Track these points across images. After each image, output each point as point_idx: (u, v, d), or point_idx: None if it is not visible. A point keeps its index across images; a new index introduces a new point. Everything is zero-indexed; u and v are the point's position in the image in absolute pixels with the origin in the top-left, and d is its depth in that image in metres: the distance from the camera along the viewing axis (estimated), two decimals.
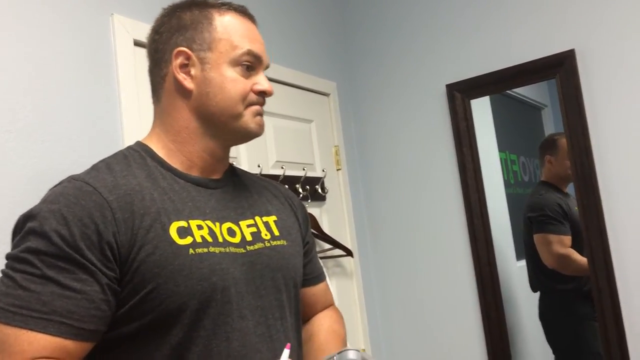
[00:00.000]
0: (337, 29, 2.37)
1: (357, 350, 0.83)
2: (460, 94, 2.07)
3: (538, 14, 1.96)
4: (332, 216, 2.17)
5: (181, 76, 0.95)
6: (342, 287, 2.13)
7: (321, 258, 2.01)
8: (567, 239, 1.98)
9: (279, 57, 1.92)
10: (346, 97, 2.33)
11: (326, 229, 2.07)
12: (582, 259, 1.86)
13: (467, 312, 2.05)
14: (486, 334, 2.00)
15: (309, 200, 1.99)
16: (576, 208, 1.88)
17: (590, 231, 1.80)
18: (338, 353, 0.84)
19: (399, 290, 2.22)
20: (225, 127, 0.96)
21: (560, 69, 1.88)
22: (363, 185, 2.33)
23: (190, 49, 0.94)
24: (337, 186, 2.22)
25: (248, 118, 0.96)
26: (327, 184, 2.14)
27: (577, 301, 1.98)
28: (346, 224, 2.22)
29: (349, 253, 2.09)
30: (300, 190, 1.95)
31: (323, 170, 2.13)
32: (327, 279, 2.01)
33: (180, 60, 0.95)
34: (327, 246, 2.03)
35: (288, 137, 2.03)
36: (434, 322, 2.13)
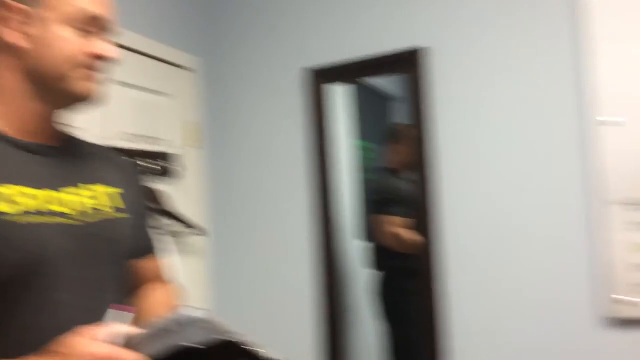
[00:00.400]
0: (204, 4, 2.33)
1: (200, 309, 0.76)
2: (317, 79, 2.15)
3: (397, 7, 2.06)
4: (188, 193, 2.15)
5: (4, 30, 0.87)
6: (191, 264, 2.13)
7: (172, 235, 1.99)
8: (399, 220, 2.17)
9: (138, 25, 1.85)
10: (211, 73, 2.31)
11: (181, 206, 2.05)
12: (413, 237, 2.06)
13: (307, 289, 2.15)
14: (322, 309, 2.12)
15: (163, 176, 1.96)
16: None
17: (422, 213, 2.00)
18: (177, 312, 0.76)
19: (249, 268, 2.27)
20: (52, 89, 0.90)
21: (410, 64, 2.01)
22: (221, 163, 2.33)
23: (21, 2, 0.87)
24: (194, 163, 2.20)
25: (75, 81, 0.90)
26: (184, 160, 2.12)
27: (406, 278, 2.18)
28: (201, 202, 2.21)
29: (200, 231, 2.09)
30: (154, 165, 1.91)
31: (180, 147, 2.10)
32: (177, 256, 2.00)
33: (4, 13, 0.87)
34: (177, 223, 2.01)
35: (143, 110, 1.97)
36: (277, 299, 2.20)
